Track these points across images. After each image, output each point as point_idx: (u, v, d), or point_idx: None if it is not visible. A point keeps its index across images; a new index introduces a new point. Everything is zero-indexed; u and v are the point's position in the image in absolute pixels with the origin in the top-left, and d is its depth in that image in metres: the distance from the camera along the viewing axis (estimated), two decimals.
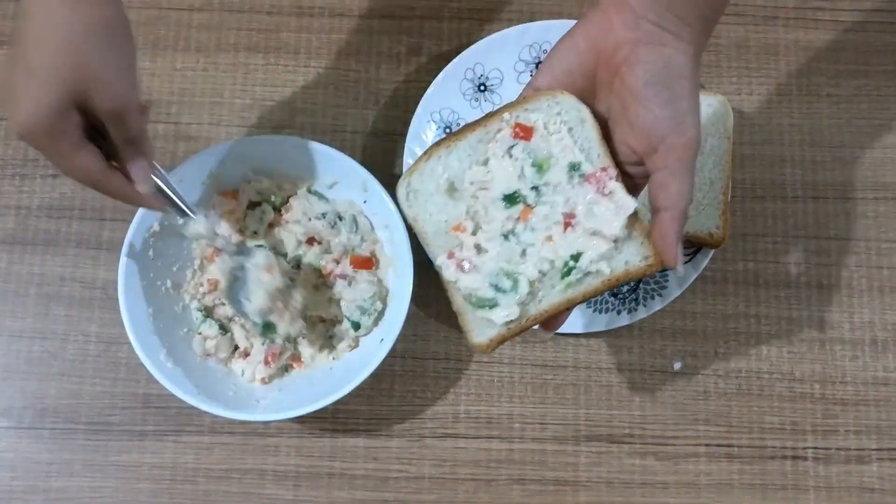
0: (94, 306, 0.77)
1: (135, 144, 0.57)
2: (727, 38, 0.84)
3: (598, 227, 0.53)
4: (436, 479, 0.73)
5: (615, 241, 0.53)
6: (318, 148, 0.72)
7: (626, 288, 0.76)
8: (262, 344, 0.72)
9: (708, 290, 0.78)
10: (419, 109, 0.77)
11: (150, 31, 0.83)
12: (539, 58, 0.80)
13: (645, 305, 0.74)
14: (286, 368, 0.73)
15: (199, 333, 0.73)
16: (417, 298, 0.73)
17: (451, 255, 0.55)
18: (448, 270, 0.55)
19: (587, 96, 0.55)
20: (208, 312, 0.73)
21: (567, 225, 0.54)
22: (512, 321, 0.54)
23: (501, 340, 0.55)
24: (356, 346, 0.73)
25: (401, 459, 0.74)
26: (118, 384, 0.75)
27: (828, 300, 0.78)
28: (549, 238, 0.54)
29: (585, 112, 0.54)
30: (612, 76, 0.53)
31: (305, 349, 0.73)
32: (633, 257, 0.54)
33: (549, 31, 0.79)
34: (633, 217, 0.53)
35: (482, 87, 0.79)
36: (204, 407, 0.66)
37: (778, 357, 0.76)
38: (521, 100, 0.55)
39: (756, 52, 0.83)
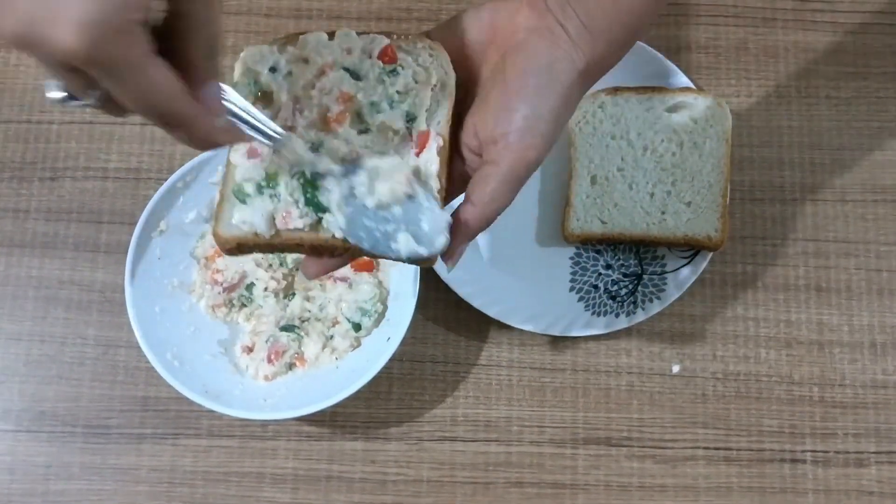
0: (93, 309, 0.77)
1: (213, 59, 0.43)
2: (726, 41, 0.84)
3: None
4: (434, 482, 0.73)
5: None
6: None
7: (624, 291, 0.76)
8: (266, 341, 0.72)
9: (706, 293, 0.78)
10: None
11: None
12: None
13: (643, 308, 0.74)
14: (290, 367, 0.73)
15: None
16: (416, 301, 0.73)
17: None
18: (237, 152, 0.50)
19: (468, 68, 0.52)
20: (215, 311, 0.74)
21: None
22: (253, 233, 0.49)
23: (241, 246, 0.49)
24: (358, 345, 0.73)
25: (399, 463, 0.74)
26: (116, 387, 0.75)
27: (826, 303, 0.77)
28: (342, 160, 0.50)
29: (451, 79, 0.51)
30: (500, 57, 0.50)
31: (309, 349, 0.73)
32: None
33: None
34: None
35: None
36: (212, 406, 0.66)
37: (776, 360, 0.76)
38: (405, 35, 0.52)
39: (755, 54, 0.83)
